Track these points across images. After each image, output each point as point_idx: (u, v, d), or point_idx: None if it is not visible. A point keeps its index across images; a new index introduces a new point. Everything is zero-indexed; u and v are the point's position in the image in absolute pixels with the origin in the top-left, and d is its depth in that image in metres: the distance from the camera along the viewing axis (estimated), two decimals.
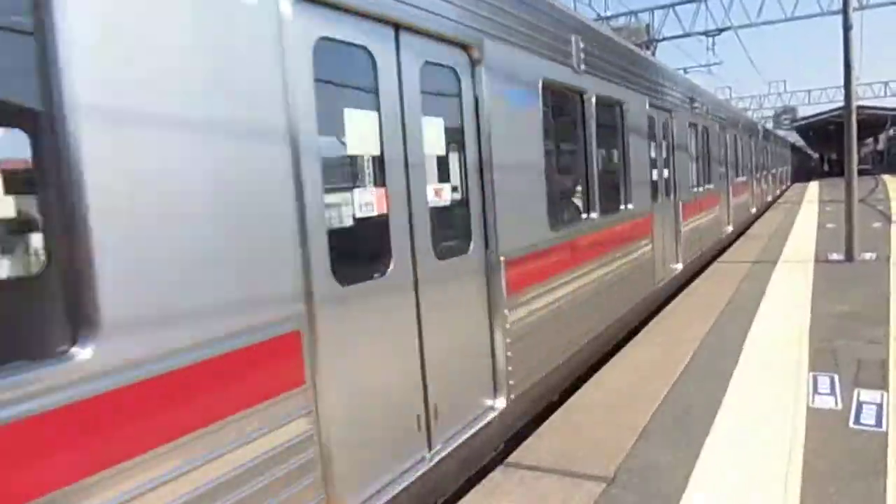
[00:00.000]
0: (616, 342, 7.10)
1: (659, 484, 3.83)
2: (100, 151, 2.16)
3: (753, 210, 20.10)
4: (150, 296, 2.31)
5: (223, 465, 2.53)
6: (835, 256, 11.35)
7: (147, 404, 2.27)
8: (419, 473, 3.68)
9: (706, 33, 26.13)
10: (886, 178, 36.88)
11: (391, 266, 3.58)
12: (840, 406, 4.78)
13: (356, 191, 3.47)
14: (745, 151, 18.78)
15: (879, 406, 4.71)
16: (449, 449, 3.97)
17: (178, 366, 2.37)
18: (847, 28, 10.97)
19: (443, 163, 4.19)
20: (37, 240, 3.32)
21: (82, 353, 2.11)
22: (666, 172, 9.68)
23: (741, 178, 17.86)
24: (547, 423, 4.87)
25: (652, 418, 4.81)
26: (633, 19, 27.33)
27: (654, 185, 9.07)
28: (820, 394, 5.03)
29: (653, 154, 8.98)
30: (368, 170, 3.71)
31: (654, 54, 24.82)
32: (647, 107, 8.61)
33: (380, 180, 3.60)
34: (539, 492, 3.86)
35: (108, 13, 2.20)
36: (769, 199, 26.09)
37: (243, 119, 2.66)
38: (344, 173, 3.71)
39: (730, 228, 15.11)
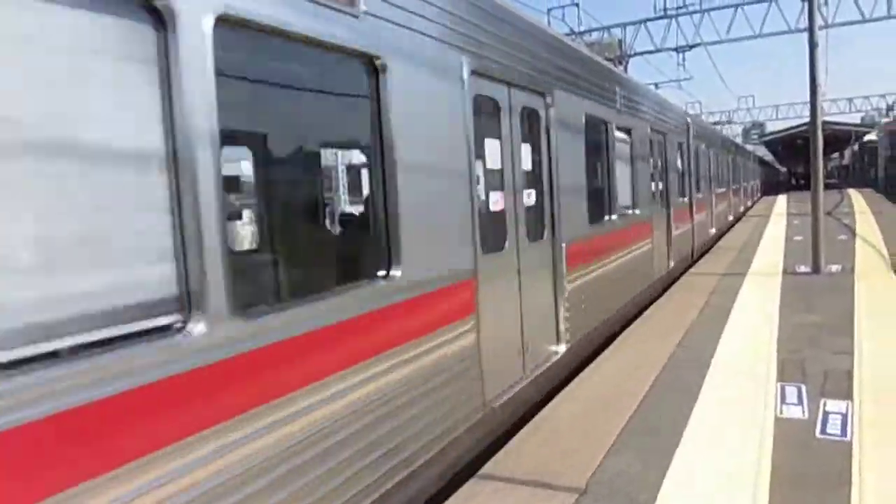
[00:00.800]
0: None
1: (630, 494, 3.86)
2: None
3: (671, 264, 12.07)
4: None
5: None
6: (802, 269, 11.58)
7: None
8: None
9: (676, 49, 26.65)
10: (852, 191, 37.77)
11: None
12: (807, 416, 4.87)
13: None
14: (664, 160, 11.93)
15: (844, 416, 4.80)
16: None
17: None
18: (813, 46, 11.26)
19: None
20: None
21: None
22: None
23: (647, 211, 10.22)
24: (519, 434, 4.88)
25: (623, 429, 4.84)
26: (605, 34, 27.79)
27: None
28: (788, 404, 5.12)
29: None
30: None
31: (626, 69, 25.20)
32: None
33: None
34: (511, 503, 3.86)
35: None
36: (714, 231, 18.14)
37: None
38: None
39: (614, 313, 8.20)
